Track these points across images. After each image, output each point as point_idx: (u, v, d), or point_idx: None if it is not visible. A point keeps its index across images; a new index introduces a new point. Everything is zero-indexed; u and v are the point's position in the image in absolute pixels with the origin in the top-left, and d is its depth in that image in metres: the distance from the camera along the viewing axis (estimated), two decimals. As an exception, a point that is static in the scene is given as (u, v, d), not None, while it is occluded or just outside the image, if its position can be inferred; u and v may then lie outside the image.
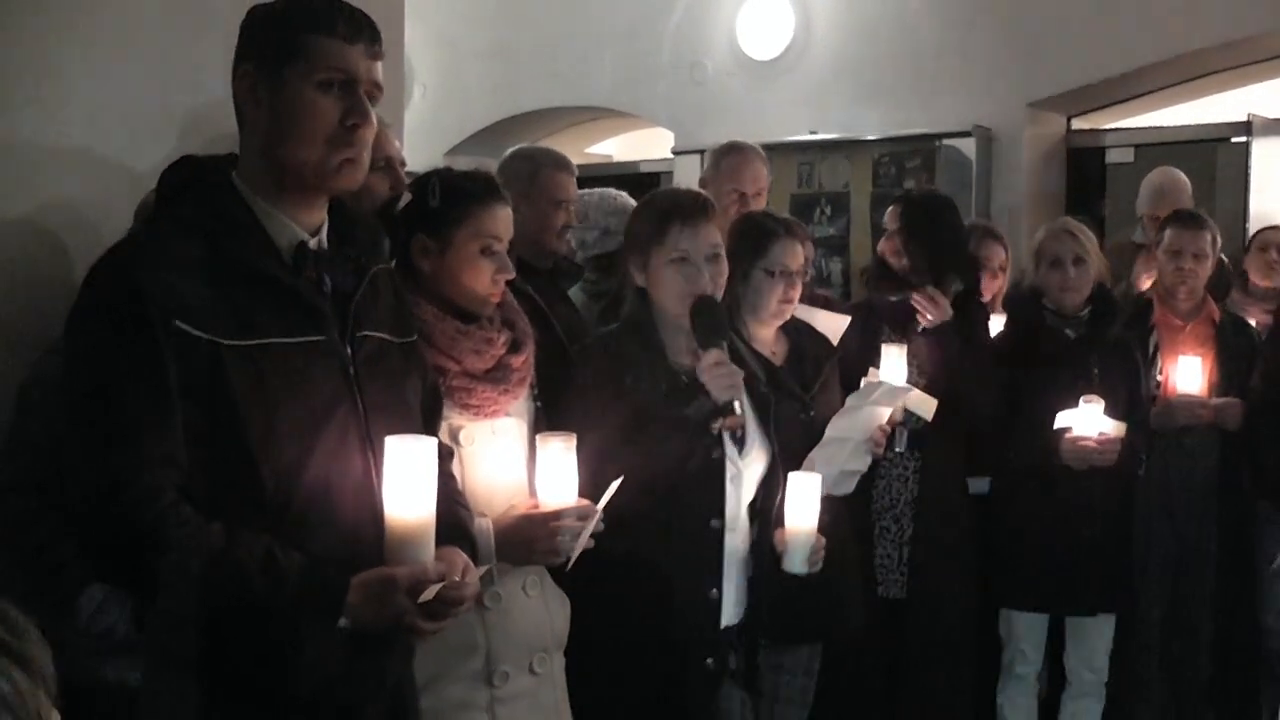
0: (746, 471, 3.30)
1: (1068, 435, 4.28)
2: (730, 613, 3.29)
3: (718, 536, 3.22)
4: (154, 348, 2.11)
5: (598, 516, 2.74)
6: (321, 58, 2.24)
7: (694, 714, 3.23)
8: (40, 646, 1.26)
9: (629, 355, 3.25)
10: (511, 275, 2.89)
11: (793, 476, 3.27)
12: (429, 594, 2.15)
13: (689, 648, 3.20)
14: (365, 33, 2.29)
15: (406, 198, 2.92)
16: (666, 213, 3.29)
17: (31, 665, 1.24)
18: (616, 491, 2.76)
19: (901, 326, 4.42)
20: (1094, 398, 4.27)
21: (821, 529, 3.27)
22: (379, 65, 2.31)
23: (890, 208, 4.71)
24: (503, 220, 2.88)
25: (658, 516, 2.82)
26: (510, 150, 4.29)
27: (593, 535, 2.76)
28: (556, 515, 2.72)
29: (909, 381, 3.99)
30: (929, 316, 4.33)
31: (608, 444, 2.81)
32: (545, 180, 3.97)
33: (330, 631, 2.15)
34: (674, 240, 3.24)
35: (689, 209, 3.28)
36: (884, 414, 3.74)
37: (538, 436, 2.79)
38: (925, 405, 4.00)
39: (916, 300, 4.31)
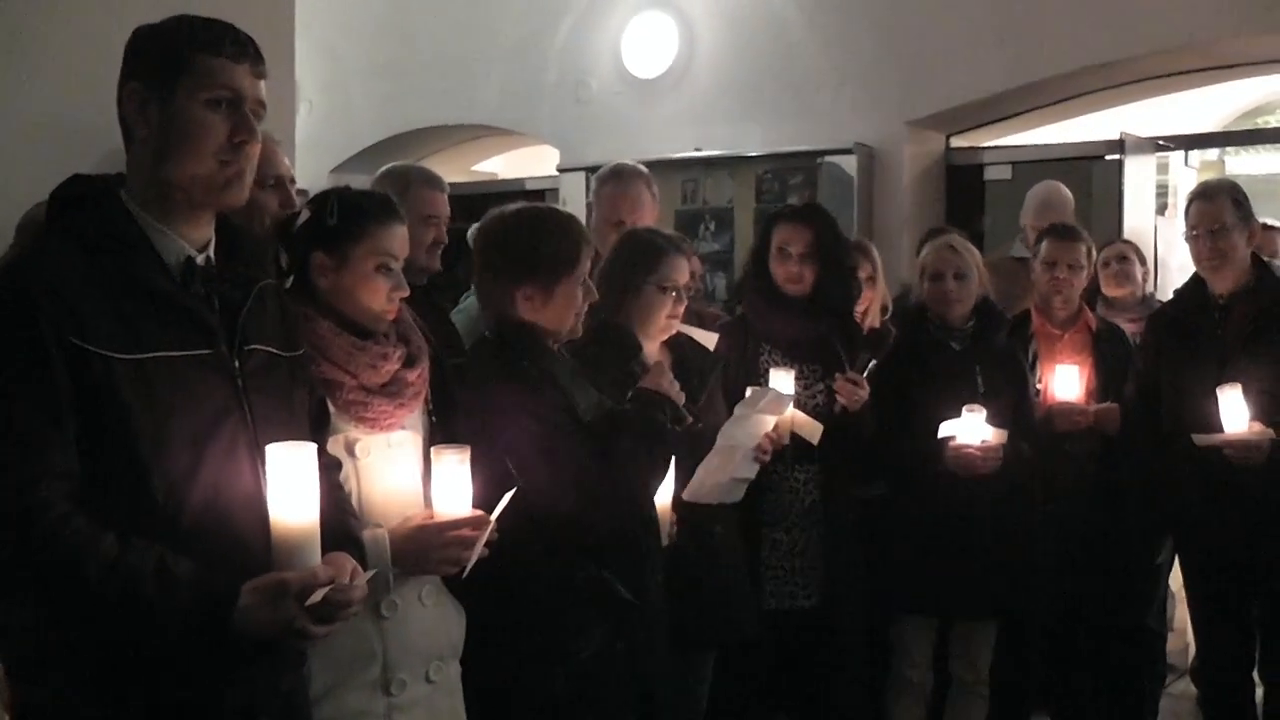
0: None
1: (951, 444, 4.34)
2: None
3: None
4: (46, 361, 2.14)
5: (491, 526, 2.79)
6: (209, 76, 2.31)
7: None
8: None
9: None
10: (406, 293, 2.93)
11: None
12: (317, 597, 2.18)
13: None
14: (250, 53, 2.36)
15: (305, 215, 2.94)
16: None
17: None
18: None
19: (786, 350, 4.35)
20: (976, 407, 4.33)
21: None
22: (263, 84, 2.39)
23: (785, 227, 4.42)
24: (399, 239, 2.92)
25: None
26: (381, 169, 4.30)
27: (486, 544, 2.80)
28: (452, 525, 2.76)
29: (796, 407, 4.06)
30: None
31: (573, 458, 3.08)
32: (415, 197, 3.96)
33: (221, 638, 2.16)
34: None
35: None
36: (770, 422, 3.79)
37: (433, 449, 2.83)
38: (812, 430, 4.05)
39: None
